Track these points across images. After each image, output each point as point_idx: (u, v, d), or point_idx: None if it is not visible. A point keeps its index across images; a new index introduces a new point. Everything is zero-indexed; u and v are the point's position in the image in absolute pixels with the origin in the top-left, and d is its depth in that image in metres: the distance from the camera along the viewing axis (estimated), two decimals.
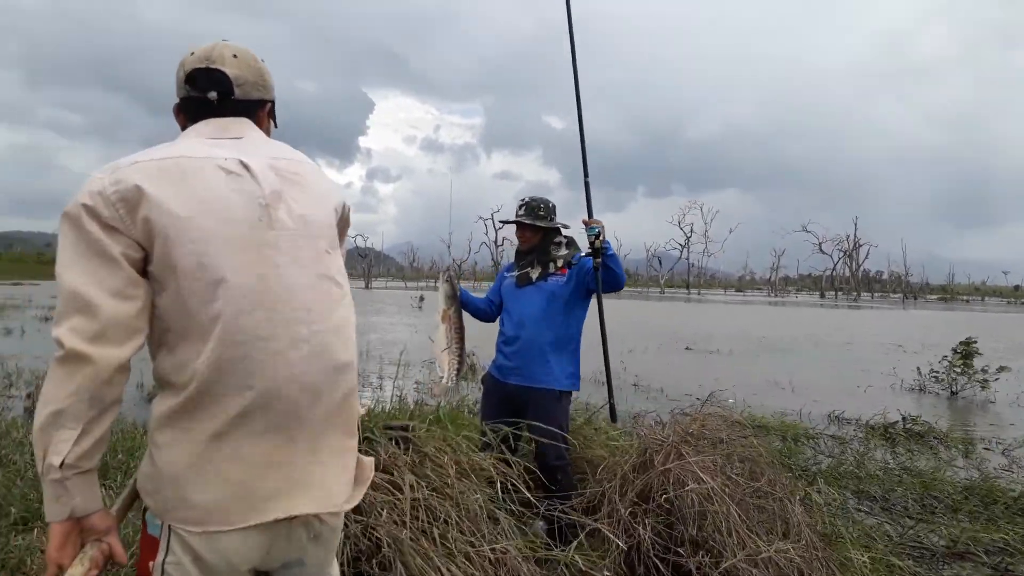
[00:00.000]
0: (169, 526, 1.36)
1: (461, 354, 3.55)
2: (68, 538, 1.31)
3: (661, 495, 3.07)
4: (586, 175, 3.87)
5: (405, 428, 3.08)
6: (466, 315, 3.92)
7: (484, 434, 3.48)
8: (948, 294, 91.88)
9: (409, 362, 10.80)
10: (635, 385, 10.46)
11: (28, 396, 7.27)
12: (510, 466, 3.09)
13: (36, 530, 3.60)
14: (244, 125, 1.55)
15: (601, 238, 3.58)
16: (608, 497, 3.19)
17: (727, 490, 3.01)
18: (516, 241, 4.00)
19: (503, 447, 3.32)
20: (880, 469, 5.84)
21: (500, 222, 4.46)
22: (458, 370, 3.54)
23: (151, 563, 1.38)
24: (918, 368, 11.33)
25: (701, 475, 3.00)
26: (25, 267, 64.27)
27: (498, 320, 4.03)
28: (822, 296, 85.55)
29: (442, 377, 3.52)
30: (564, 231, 3.95)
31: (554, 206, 3.94)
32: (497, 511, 2.99)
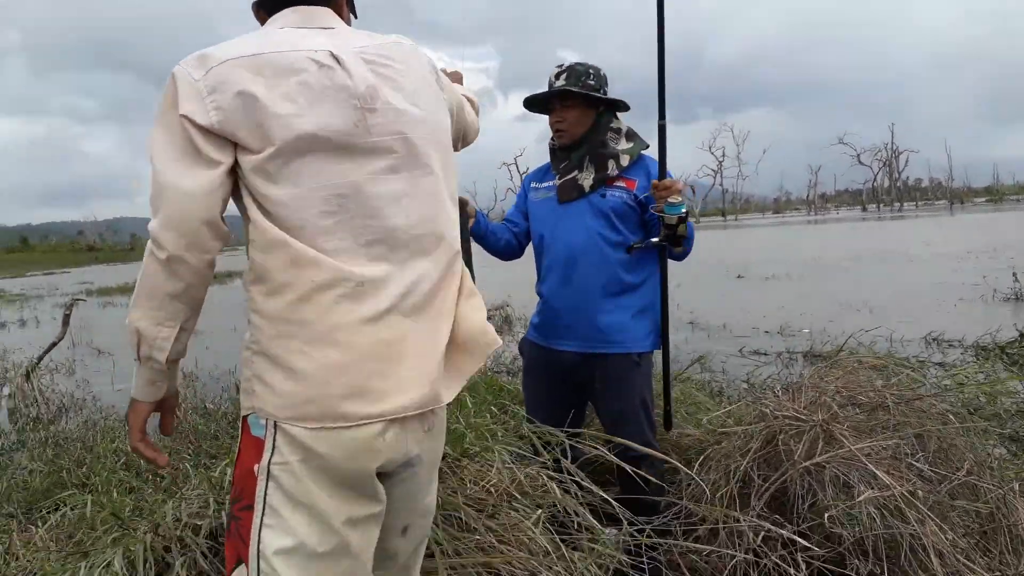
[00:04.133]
0: (276, 424, 1.24)
1: None
2: (146, 418, 1.37)
3: (809, 507, 1.96)
4: (661, 116, 2.54)
5: None
6: (488, 257, 2.79)
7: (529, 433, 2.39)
8: (995, 195, 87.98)
9: None
10: (692, 323, 9.26)
11: (10, 396, 6.48)
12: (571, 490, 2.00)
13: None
14: (329, 15, 1.42)
15: (687, 218, 2.43)
16: (720, 512, 2.08)
17: (919, 494, 1.88)
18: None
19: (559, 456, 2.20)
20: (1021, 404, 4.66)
21: (528, 102, 2.74)
22: None
23: (255, 466, 1.26)
24: (1014, 273, 9.95)
25: (877, 473, 1.87)
26: (58, 256, 64.94)
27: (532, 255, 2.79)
28: (864, 210, 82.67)
29: None
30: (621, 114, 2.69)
31: (606, 75, 2.66)
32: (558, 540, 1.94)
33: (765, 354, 7.04)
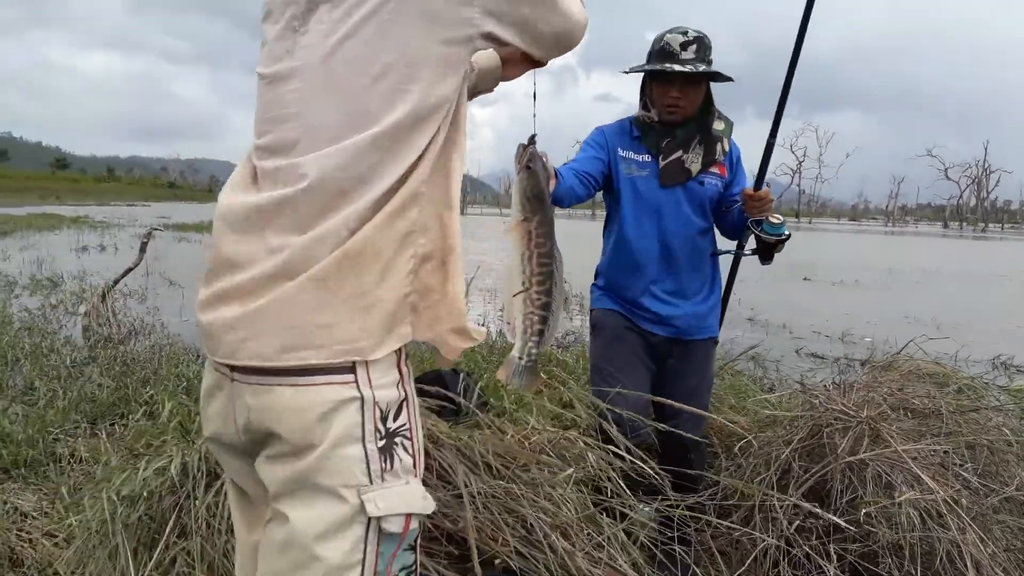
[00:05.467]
0: None
1: (548, 306, 1.56)
2: None
3: (847, 502, 1.94)
4: (772, 134, 2.50)
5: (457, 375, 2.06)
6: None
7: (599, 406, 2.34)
8: None
9: (495, 289, 9.79)
10: (751, 320, 9.11)
11: (86, 315, 6.79)
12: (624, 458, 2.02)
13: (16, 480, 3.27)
14: None
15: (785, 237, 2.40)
16: (757, 496, 2.08)
17: (962, 502, 1.85)
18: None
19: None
20: None
21: (634, 70, 2.46)
22: (540, 333, 1.59)
23: None
24: None
25: (922, 476, 1.85)
26: (141, 189, 67.36)
27: (610, 229, 2.64)
28: (945, 226, 79.39)
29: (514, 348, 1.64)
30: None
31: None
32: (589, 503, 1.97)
33: (822, 357, 6.90)
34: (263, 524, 1.16)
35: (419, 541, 1.13)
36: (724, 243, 2.68)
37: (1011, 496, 2.01)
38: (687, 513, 2.01)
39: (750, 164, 2.64)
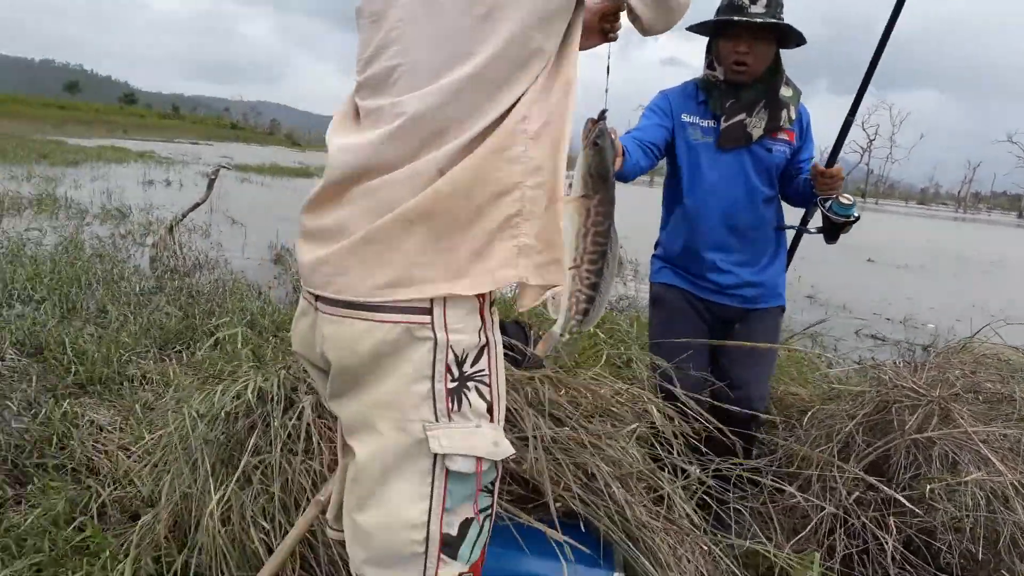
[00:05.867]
0: None
1: (597, 286, 1.49)
2: None
3: (910, 479, 1.93)
4: (852, 112, 2.40)
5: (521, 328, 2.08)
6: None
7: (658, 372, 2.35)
8: None
9: None
10: (810, 298, 8.94)
11: (153, 246, 7.03)
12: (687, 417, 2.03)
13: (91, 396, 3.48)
14: None
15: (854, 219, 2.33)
16: (818, 465, 2.08)
17: None
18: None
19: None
20: None
21: (699, 26, 2.40)
22: (585, 312, 1.52)
23: None
24: None
25: (990, 457, 1.82)
26: (204, 128, 68.60)
27: (671, 198, 2.59)
28: (1020, 216, 76.21)
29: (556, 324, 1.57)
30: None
31: None
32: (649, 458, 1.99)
33: (883, 340, 6.76)
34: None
35: (496, 485, 1.15)
36: (788, 218, 2.63)
37: None
38: (746, 474, 2.02)
39: (821, 139, 2.56)
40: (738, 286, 2.48)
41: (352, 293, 1.06)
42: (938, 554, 1.89)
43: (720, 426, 2.08)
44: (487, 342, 1.12)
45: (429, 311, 1.06)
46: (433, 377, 1.06)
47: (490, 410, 1.12)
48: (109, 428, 3.13)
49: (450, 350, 1.07)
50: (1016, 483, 1.81)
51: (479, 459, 1.09)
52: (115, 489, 2.54)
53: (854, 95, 2.38)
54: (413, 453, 1.07)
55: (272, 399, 1.89)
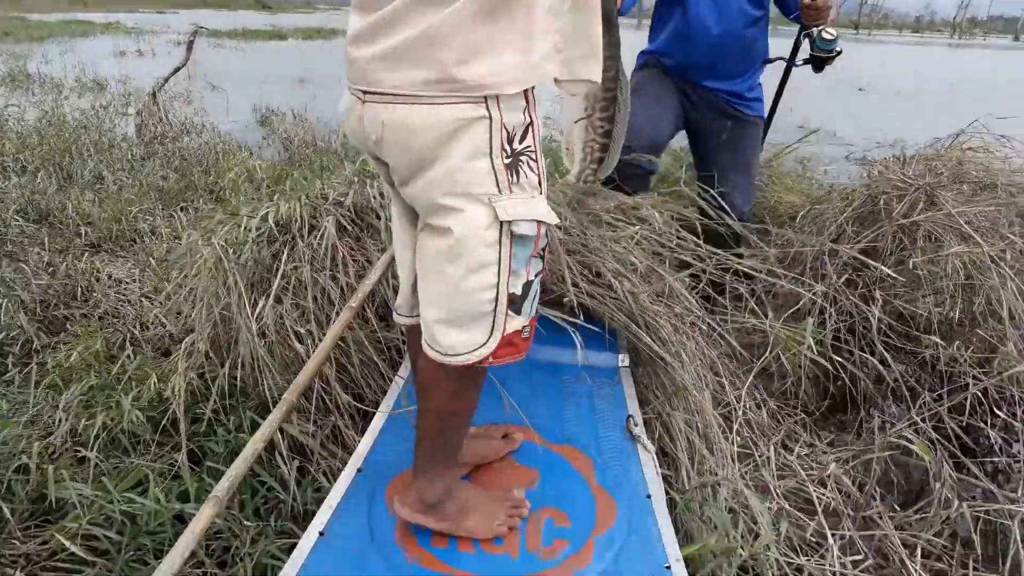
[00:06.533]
0: None
1: (610, 133, 1.53)
2: None
3: (898, 257, 2.07)
4: None
5: None
6: None
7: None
8: None
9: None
10: (802, 127, 8.91)
11: (138, 113, 6.90)
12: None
13: (105, 253, 3.60)
14: None
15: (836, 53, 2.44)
16: (812, 254, 2.21)
17: (1007, 258, 1.96)
18: None
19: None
20: None
21: None
22: (600, 160, 1.58)
23: None
24: None
25: (971, 233, 1.95)
26: None
27: (659, 22, 2.67)
28: (1016, 39, 74.08)
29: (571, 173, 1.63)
30: None
31: None
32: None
33: (873, 161, 6.82)
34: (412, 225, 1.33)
35: (545, 252, 1.27)
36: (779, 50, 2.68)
37: None
38: (741, 268, 2.15)
39: None
40: (714, 67, 2.58)
41: (409, 88, 1.12)
42: (917, 322, 2.06)
43: (723, 222, 2.19)
44: (531, 120, 1.19)
45: (483, 96, 1.12)
46: (491, 154, 1.15)
47: (539, 182, 1.23)
48: (128, 280, 3.26)
49: (503, 128, 1.14)
50: (993, 254, 1.95)
51: (539, 223, 1.21)
52: (144, 331, 2.70)
53: None
54: (484, 224, 1.17)
55: (296, 223, 1.99)
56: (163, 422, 1.91)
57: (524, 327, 1.26)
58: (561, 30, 1.17)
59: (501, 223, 1.17)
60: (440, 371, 1.26)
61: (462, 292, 1.20)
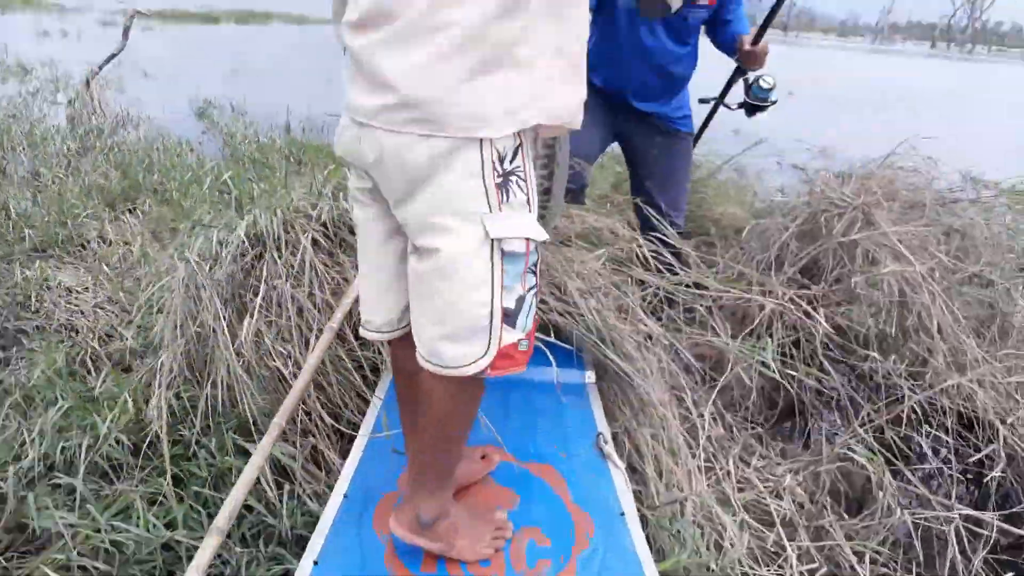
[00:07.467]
0: None
1: (551, 189, 1.68)
2: None
3: (836, 278, 2.23)
4: None
5: None
6: None
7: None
8: None
9: None
10: (736, 132, 9.22)
11: (70, 103, 6.66)
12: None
13: (51, 259, 3.47)
14: None
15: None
16: (759, 270, 2.36)
17: (935, 275, 2.15)
18: None
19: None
20: None
21: None
22: (541, 217, 1.53)
23: None
24: None
25: (904, 252, 2.12)
26: None
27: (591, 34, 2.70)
28: (933, 46, 77.64)
29: None
30: None
31: None
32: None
33: (803, 169, 7.11)
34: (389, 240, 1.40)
35: (538, 267, 1.35)
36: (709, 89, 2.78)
37: (976, 274, 2.32)
38: (693, 288, 2.28)
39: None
40: (651, 112, 2.68)
41: (414, 129, 1.19)
42: (857, 336, 2.24)
43: (678, 246, 2.31)
44: (520, 142, 1.27)
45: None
46: (483, 174, 1.22)
47: (528, 202, 1.30)
48: (79, 289, 3.18)
49: (494, 149, 1.22)
50: (923, 272, 2.13)
51: (528, 240, 1.27)
52: (104, 345, 2.65)
53: None
54: (476, 242, 1.24)
55: (271, 237, 2.02)
56: (143, 446, 1.88)
57: (520, 340, 1.33)
58: (548, 77, 1.24)
59: (492, 240, 1.24)
60: (440, 384, 1.33)
61: (459, 308, 1.27)
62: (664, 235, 2.43)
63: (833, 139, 8.92)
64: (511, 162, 1.25)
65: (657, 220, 2.48)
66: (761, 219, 2.79)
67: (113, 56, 7.20)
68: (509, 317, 1.29)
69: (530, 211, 1.30)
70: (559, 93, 1.27)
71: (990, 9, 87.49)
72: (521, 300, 1.31)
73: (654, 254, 2.28)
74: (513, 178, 1.25)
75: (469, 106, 1.17)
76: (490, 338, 1.29)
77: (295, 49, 16.18)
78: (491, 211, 1.24)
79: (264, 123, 6.99)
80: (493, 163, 1.22)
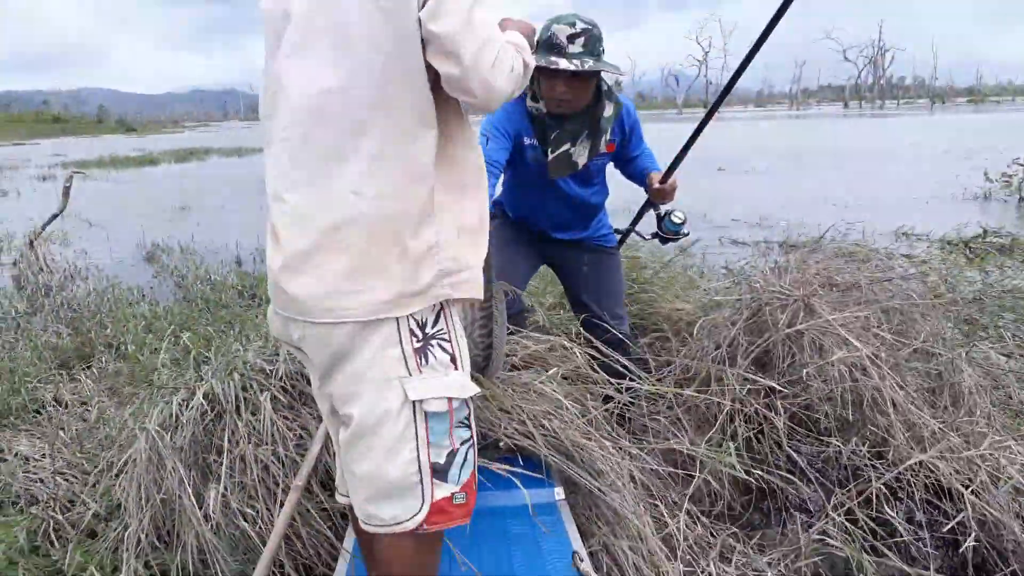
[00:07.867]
0: None
1: (492, 344, 1.83)
2: None
3: (788, 366, 2.31)
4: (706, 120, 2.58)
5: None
6: None
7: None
8: (976, 96, 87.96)
9: None
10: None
11: (15, 264, 6.62)
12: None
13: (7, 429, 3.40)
14: None
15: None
16: (713, 367, 2.43)
17: (881, 356, 2.24)
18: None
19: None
20: (977, 292, 5.05)
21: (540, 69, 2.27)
22: (483, 370, 1.89)
23: None
24: (985, 173, 10.29)
25: (848, 338, 2.21)
26: (25, 126, 62.72)
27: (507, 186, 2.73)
28: (845, 106, 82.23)
29: None
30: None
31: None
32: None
33: (744, 244, 7.37)
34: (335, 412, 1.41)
35: (472, 420, 1.39)
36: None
37: (918, 347, 2.43)
38: (651, 389, 2.33)
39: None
40: (571, 239, 2.75)
41: (314, 317, 1.28)
42: (817, 423, 2.30)
43: (625, 359, 2.35)
44: (441, 307, 1.33)
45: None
46: (401, 343, 1.28)
47: (453, 360, 1.35)
48: (37, 456, 3.10)
49: (410, 319, 1.28)
50: (870, 355, 2.22)
51: (449, 399, 1.31)
52: (66, 513, 2.58)
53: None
54: (396, 405, 1.28)
55: (232, 400, 2.03)
56: None
57: (455, 493, 1.35)
58: (453, 258, 1.32)
59: (413, 402, 1.29)
60: (393, 543, 1.35)
61: (384, 470, 1.30)
62: (614, 342, 2.48)
63: (767, 209, 9.31)
64: (433, 326, 1.32)
65: (605, 328, 2.54)
66: (709, 314, 2.87)
67: (55, 216, 7.25)
68: (439, 472, 1.33)
69: (457, 368, 1.35)
70: (464, 267, 1.34)
71: (892, 66, 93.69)
72: (452, 454, 1.34)
73: (610, 362, 2.33)
74: (435, 341, 1.32)
75: (379, 294, 1.25)
76: (423, 494, 1.32)
77: (237, 181, 16.39)
78: (410, 375, 1.29)
79: (214, 259, 7.03)
80: (412, 331, 1.29)
